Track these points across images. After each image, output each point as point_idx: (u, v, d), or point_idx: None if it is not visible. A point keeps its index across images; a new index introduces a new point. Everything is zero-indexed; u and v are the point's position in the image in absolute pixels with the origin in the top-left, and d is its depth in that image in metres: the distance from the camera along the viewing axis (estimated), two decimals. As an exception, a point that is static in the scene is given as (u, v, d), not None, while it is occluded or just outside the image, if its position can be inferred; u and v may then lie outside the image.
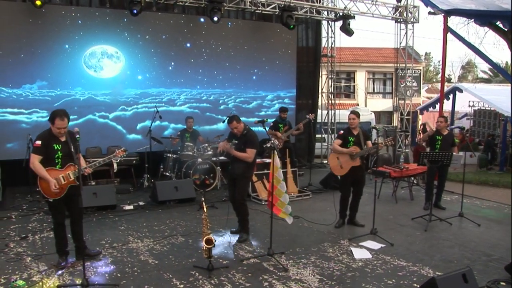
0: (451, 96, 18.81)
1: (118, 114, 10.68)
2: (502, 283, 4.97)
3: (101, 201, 7.98)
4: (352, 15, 12.34)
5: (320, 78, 14.18)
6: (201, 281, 5.03)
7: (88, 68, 10.18)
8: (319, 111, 14.23)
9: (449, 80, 38.79)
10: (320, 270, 5.40)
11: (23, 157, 8.26)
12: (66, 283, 4.92)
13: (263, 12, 11.70)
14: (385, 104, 27.78)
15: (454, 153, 7.71)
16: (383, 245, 6.29)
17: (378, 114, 27.97)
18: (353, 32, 12.38)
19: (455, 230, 7.16)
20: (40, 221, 7.25)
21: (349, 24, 12.31)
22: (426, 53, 49.94)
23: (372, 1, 12.60)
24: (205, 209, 5.44)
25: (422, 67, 31.78)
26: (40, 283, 4.88)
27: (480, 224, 7.45)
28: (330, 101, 14.18)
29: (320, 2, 12.51)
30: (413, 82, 29.70)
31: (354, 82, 30.26)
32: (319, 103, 14.28)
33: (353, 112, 7.08)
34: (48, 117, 5.14)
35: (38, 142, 5.00)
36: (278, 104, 12.55)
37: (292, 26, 11.35)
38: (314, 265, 5.56)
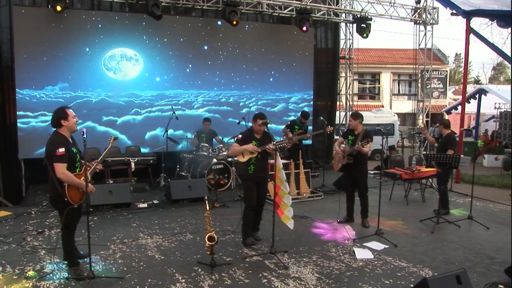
0: (477, 98, 18.49)
1: (127, 119, 10.74)
2: (500, 286, 4.95)
3: (116, 199, 8.25)
4: (369, 17, 12.31)
5: (339, 79, 14.18)
6: (202, 276, 5.21)
7: (107, 70, 10.52)
8: (337, 113, 14.24)
9: (477, 81, 37.95)
10: (320, 269, 5.49)
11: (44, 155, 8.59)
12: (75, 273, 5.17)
13: (281, 14, 11.81)
14: (410, 105, 27.35)
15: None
16: (387, 246, 6.33)
17: (403, 116, 27.66)
18: (367, 35, 12.31)
19: (463, 232, 7.12)
20: (58, 217, 7.47)
21: (366, 26, 12.26)
22: (456, 54, 49.08)
23: (390, 3, 12.52)
24: (207, 207, 5.61)
25: (448, 69, 31.22)
26: (51, 275, 5.15)
27: (490, 227, 7.38)
28: (348, 103, 14.17)
29: (337, 4, 12.53)
30: (439, 84, 29.38)
31: (379, 83, 30.04)
32: (339, 105, 14.28)
33: (351, 114, 7.58)
34: (55, 118, 4.91)
35: (62, 150, 4.73)
36: (308, 108, 12.62)
37: (304, 28, 11.38)
38: (314, 264, 5.66)
